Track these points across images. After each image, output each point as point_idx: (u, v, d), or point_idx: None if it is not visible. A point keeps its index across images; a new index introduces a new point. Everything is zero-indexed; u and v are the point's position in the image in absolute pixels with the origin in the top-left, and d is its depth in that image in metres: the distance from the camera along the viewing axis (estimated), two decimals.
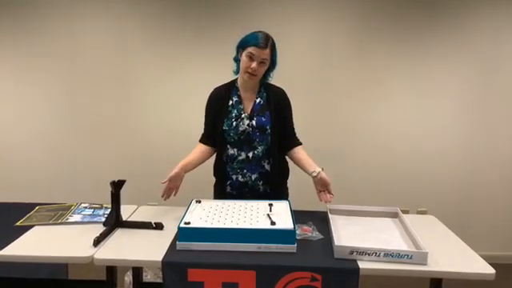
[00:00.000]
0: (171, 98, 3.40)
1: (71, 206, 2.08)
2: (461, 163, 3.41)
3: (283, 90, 2.15)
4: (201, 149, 2.14)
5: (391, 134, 3.39)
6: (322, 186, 1.97)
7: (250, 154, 2.08)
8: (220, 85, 2.16)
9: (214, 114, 2.11)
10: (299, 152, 2.11)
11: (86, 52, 3.36)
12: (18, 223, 1.85)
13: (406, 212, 2.12)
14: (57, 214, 1.97)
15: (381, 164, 3.42)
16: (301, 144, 2.16)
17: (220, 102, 2.10)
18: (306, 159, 2.06)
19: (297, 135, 2.18)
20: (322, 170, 1.97)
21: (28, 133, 3.47)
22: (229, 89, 2.12)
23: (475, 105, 3.34)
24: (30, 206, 2.06)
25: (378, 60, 3.31)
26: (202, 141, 2.17)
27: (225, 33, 3.24)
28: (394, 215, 1.99)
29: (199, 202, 1.94)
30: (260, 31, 2.01)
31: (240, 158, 2.09)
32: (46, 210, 2.02)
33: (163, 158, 3.43)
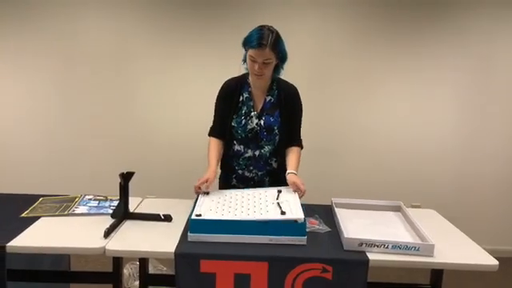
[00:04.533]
0: (171, 94, 3.38)
1: (75, 197, 2.07)
2: (455, 160, 3.49)
3: (296, 89, 2.10)
4: (217, 143, 2.09)
5: (386, 131, 3.45)
6: (292, 186, 1.94)
7: (257, 153, 2.07)
8: (232, 77, 2.11)
9: (223, 109, 2.07)
10: (291, 151, 2.07)
11: (86, 48, 3.31)
12: (23, 214, 1.84)
13: None
14: (62, 205, 1.95)
15: (376, 160, 3.48)
16: (299, 145, 2.12)
17: (230, 97, 2.06)
18: (290, 160, 2.04)
19: (301, 137, 2.14)
20: (295, 174, 1.97)
21: (28, 128, 3.42)
22: (240, 83, 2.07)
23: (472, 103, 3.41)
24: (32, 198, 2.04)
25: (375, 59, 3.34)
26: (212, 134, 2.12)
27: (225, 30, 3.23)
28: (397, 209, 2.04)
29: (207, 193, 1.95)
30: (261, 28, 1.93)
31: (246, 155, 2.08)
32: (51, 201, 2.00)
33: (162, 152, 3.44)
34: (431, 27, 3.29)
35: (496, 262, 1.56)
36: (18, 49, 3.31)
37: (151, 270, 2.55)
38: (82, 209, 1.92)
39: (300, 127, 2.14)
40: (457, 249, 1.67)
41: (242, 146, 2.08)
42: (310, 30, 3.32)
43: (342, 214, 1.90)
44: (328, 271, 1.56)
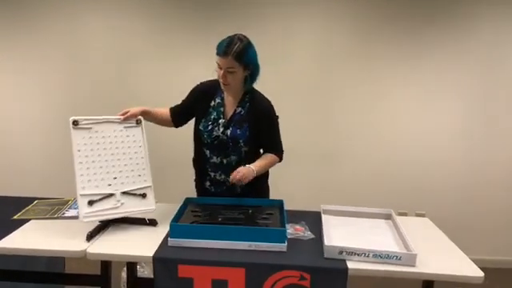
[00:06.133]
0: (173, 97, 3.40)
1: (68, 200, 2.12)
2: (461, 167, 3.38)
3: (269, 105, 2.02)
4: (166, 113, 2.11)
5: (391, 136, 3.37)
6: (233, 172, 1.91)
7: (224, 160, 2.02)
8: (209, 80, 2.05)
9: (192, 107, 2.06)
10: (264, 155, 2.04)
11: (85, 50, 3.38)
12: (15, 216, 1.89)
13: (404, 214, 2.12)
14: (54, 208, 2.00)
15: (380, 166, 3.40)
16: (278, 155, 2.06)
17: (202, 99, 2.03)
18: (258, 160, 2.00)
19: (282, 150, 2.09)
20: (253, 170, 1.92)
21: (26, 128, 3.50)
22: (215, 88, 2.02)
23: (476, 107, 3.30)
24: (28, 200, 2.10)
25: (377, 61, 3.29)
26: (171, 110, 2.12)
27: (227, 31, 3.20)
28: (388, 217, 1.99)
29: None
30: (232, 36, 1.91)
31: (212, 160, 2.03)
32: (44, 204, 2.06)
33: (159, 156, 3.45)
34: (437, 27, 3.20)
35: (481, 274, 1.50)
36: (16, 49, 3.38)
37: (148, 274, 2.58)
38: (72, 212, 1.96)
39: (278, 138, 2.07)
40: (442, 259, 1.62)
41: (208, 151, 2.04)
42: (313, 30, 3.28)
43: (329, 221, 1.87)
44: (306, 279, 1.54)
